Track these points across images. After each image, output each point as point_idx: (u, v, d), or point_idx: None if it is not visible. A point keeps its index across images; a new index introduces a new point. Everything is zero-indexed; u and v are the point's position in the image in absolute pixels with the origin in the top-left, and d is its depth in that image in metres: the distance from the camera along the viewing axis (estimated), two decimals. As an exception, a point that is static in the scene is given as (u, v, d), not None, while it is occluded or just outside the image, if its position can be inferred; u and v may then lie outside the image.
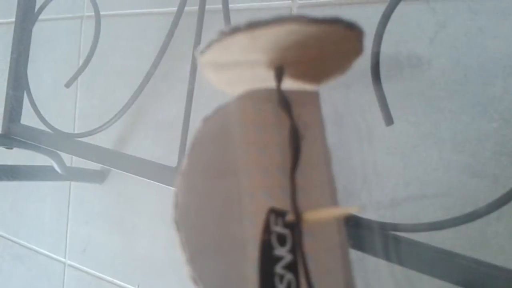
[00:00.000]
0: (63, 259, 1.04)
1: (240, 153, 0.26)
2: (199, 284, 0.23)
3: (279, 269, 0.26)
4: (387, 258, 0.37)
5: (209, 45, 0.25)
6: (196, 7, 0.56)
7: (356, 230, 0.39)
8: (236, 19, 0.57)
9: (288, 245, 0.26)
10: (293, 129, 0.28)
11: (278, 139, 0.28)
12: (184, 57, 0.79)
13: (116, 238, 0.96)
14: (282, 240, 0.26)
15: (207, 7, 0.56)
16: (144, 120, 0.90)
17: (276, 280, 0.25)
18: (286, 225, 0.26)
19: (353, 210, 0.25)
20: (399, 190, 0.65)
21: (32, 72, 1.07)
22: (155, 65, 0.59)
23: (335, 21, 0.24)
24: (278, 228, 0.26)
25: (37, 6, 0.75)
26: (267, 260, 0.25)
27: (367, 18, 0.56)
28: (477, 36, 0.62)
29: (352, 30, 0.26)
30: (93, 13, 0.65)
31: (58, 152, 0.82)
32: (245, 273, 0.25)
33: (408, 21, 0.67)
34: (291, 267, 0.26)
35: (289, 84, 0.31)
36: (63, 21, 1.07)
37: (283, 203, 0.27)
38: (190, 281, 0.23)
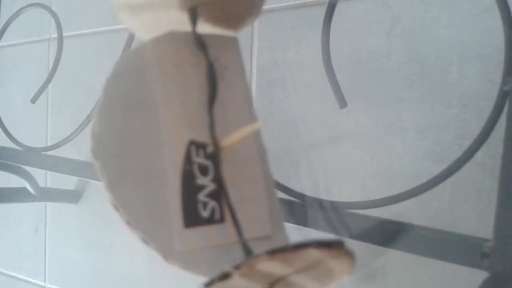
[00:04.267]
0: (42, 283, 1.03)
1: (158, 89, 0.27)
2: (120, 210, 0.24)
3: (202, 197, 0.26)
4: (346, 235, 0.38)
5: None
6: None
7: (313, 210, 0.40)
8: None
9: (210, 175, 0.27)
10: (209, 66, 0.29)
11: (196, 77, 0.28)
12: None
13: (95, 257, 0.95)
14: (204, 171, 0.27)
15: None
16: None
17: (200, 207, 0.26)
18: (207, 156, 0.27)
19: (258, 126, 0.27)
20: (368, 182, 0.67)
21: (1, 97, 1.07)
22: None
23: None
24: (199, 159, 0.27)
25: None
26: (189, 188, 0.26)
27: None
28: (431, 26, 0.64)
29: None
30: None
31: (31, 170, 0.82)
32: (168, 200, 0.25)
33: (364, 18, 0.69)
34: (214, 195, 0.27)
35: (208, 30, 0.31)
36: (30, 45, 1.08)
37: (203, 137, 0.28)
38: (111, 208, 0.24)
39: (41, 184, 0.94)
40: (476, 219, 0.59)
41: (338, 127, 0.69)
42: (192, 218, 0.26)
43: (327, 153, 0.70)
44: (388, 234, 0.38)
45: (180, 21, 0.29)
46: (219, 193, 0.27)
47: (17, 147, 0.68)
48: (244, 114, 0.30)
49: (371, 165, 0.67)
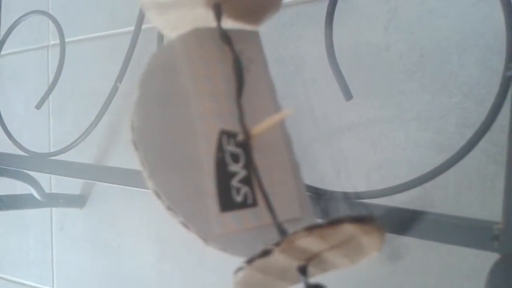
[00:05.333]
0: (51, 289, 1.04)
1: (188, 83, 0.28)
2: (161, 197, 0.25)
3: (235, 182, 0.28)
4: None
5: None
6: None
7: (324, 202, 0.41)
8: None
9: (242, 162, 0.29)
10: (235, 59, 0.30)
11: (223, 71, 0.30)
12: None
13: (102, 260, 0.96)
14: (235, 158, 0.29)
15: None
16: (119, 135, 0.91)
17: (233, 192, 0.28)
18: (238, 144, 0.29)
19: (289, 112, 0.28)
20: (372, 174, 0.67)
21: (3, 105, 1.07)
22: (119, 80, 0.61)
23: None
24: (231, 148, 0.29)
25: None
26: (223, 174, 0.28)
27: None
28: (429, 18, 0.65)
29: None
30: (58, 41, 0.67)
31: (36, 175, 0.83)
32: (204, 186, 0.27)
33: (362, 12, 0.70)
34: (246, 181, 0.29)
35: (230, 25, 0.33)
36: (29, 53, 1.08)
37: (233, 126, 0.29)
38: (153, 195, 0.25)
39: (46, 190, 0.94)
40: (481, 206, 0.60)
41: (341, 120, 0.70)
42: (227, 202, 0.28)
43: (330, 147, 0.71)
44: (398, 221, 0.39)
45: (204, 18, 0.31)
46: (251, 179, 0.29)
47: (22, 153, 0.69)
48: (269, 104, 0.32)
49: (375, 157, 0.67)
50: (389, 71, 0.67)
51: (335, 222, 0.22)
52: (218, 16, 0.30)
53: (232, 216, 0.28)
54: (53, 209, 1.02)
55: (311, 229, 0.22)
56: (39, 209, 0.99)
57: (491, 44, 0.60)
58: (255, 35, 0.34)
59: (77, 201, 0.96)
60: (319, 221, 0.22)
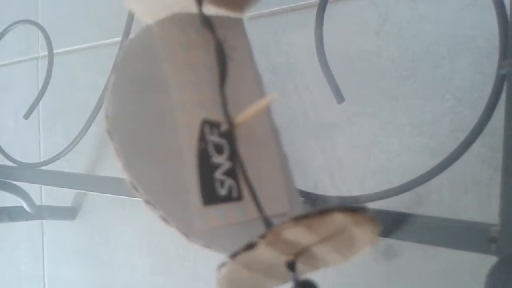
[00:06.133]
0: (42, 303, 1.02)
1: (168, 70, 0.27)
2: (138, 189, 0.24)
3: (218, 175, 0.27)
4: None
5: None
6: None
7: (316, 206, 0.40)
8: None
9: (226, 154, 0.27)
10: (218, 46, 0.29)
11: (205, 58, 0.29)
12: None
13: (94, 273, 0.94)
14: (219, 149, 0.27)
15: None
16: (108, 144, 0.90)
17: (217, 184, 0.26)
18: (221, 134, 0.28)
19: (274, 97, 0.26)
20: (366, 180, 0.67)
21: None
22: (104, 93, 0.60)
23: None
24: (214, 138, 0.27)
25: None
26: (205, 166, 0.26)
27: None
28: (419, 23, 0.64)
29: None
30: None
31: (26, 187, 0.82)
32: (185, 179, 0.25)
33: (353, 18, 0.69)
34: (231, 173, 0.27)
35: (213, 12, 0.31)
36: (18, 64, 1.08)
37: (216, 116, 0.28)
38: (129, 187, 0.24)
39: (36, 202, 0.93)
40: (476, 211, 0.59)
41: (334, 127, 0.70)
42: (210, 196, 0.26)
43: (324, 153, 0.70)
44: (395, 225, 0.38)
45: (184, 4, 0.29)
46: (235, 171, 0.27)
47: (11, 164, 0.68)
48: (254, 93, 0.31)
49: (369, 163, 0.67)
50: (381, 76, 0.66)
51: (324, 211, 0.21)
52: (199, 1, 0.29)
53: (215, 210, 0.26)
54: (44, 221, 1.01)
55: (298, 219, 0.21)
56: (29, 221, 0.98)
57: (482, 48, 0.60)
58: (239, 22, 0.33)
59: (68, 213, 0.94)
60: (310, 210, 0.21)
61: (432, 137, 0.63)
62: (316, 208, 0.20)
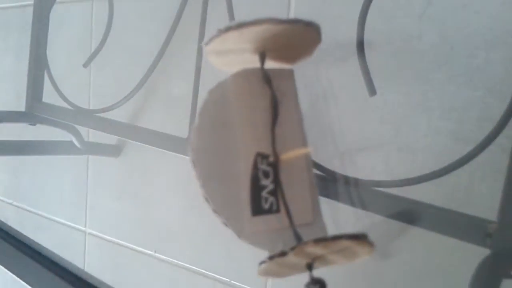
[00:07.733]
0: (83, 228, 1.11)
1: (236, 113, 0.37)
2: (209, 202, 0.35)
3: (264, 193, 0.37)
4: (369, 209, 0.44)
5: (211, 39, 0.37)
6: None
7: (340, 186, 0.45)
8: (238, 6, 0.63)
9: (271, 178, 0.38)
10: (272, 97, 0.39)
11: (263, 104, 0.39)
12: (190, 37, 0.84)
13: (133, 207, 1.02)
14: (266, 175, 0.38)
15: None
16: (156, 96, 0.96)
17: (263, 201, 0.37)
18: (269, 164, 0.38)
19: (308, 151, 0.38)
20: (391, 156, 0.71)
21: (47, 54, 1.12)
22: (166, 44, 0.65)
23: (296, 21, 0.36)
24: (263, 166, 0.38)
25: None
26: (255, 187, 0.37)
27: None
28: (462, 11, 0.67)
29: (310, 26, 0.38)
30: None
31: (77, 127, 0.88)
32: (240, 196, 0.37)
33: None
34: (273, 193, 0.38)
35: (270, 64, 0.41)
36: (74, 4, 1.12)
37: (266, 150, 0.38)
38: (203, 201, 0.35)
39: (84, 138, 1.00)
40: (491, 199, 0.63)
41: (366, 102, 0.74)
42: (257, 209, 0.37)
43: (354, 126, 0.74)
44: (405, 211, 0.44)
45: (251, 60, 0.40)
46: (276, 191, 0.38)
47: (68, 107, 0.74)
48: (297, 132, 0.40)
49: (396, 140, 0.71)
50: (419, 59, 0.69)
51: (336, 238, 0.31)
52: (262, 61, 0.39)
53: (260, 219, 0.37)
54: (90, 156, 1.08)
55: (317, 241, 0.31)
56: (77, 156, 1.06)
57: (519, 44, 0.63)
58: (290, 73, 0.42)
59: (113, 150, 1.02)
60: (326, 236, 0.31)
61: (459, 123, 0.66)
62: (330, 235, 0.30)
